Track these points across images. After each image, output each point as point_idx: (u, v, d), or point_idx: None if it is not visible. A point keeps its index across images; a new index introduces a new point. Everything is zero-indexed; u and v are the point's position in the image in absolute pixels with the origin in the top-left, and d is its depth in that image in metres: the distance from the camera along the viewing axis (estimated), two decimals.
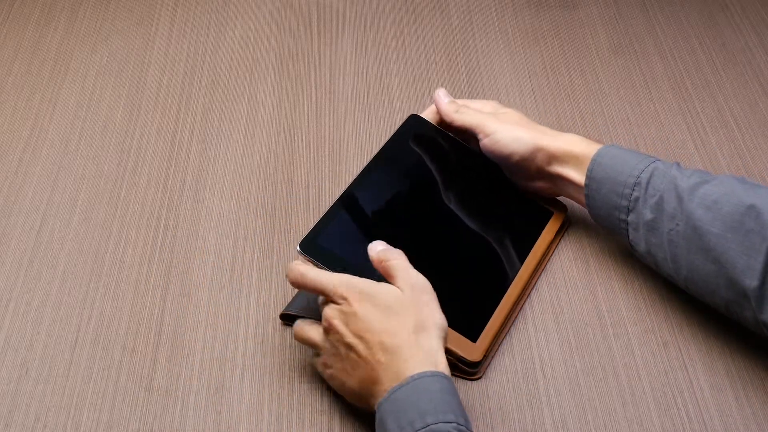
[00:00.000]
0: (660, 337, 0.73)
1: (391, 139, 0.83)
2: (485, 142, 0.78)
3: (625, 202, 0.72)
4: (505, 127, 0.78)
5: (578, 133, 0.78)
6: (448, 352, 0.69)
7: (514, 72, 0.99)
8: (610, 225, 0.75)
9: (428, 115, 0.84)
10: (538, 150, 0.76)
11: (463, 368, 0.71)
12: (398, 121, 0.93)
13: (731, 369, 0.71)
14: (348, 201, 0.76)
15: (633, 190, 0.71)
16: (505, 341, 0.74)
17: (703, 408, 0.69)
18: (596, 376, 0.71)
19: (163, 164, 0.90)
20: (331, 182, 0.88)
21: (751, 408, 0.68)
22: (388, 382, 0.61)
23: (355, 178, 0.78)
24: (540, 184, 0.79)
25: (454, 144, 0.83)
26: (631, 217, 0.72)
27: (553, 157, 0.76)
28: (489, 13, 1.07)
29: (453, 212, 0.79)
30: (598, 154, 0.74)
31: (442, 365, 0.62)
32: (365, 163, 0.89)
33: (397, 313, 0.64)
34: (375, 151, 0.90)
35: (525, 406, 0.69)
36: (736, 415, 0.68)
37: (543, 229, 0.80)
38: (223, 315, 0.77)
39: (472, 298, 0.75)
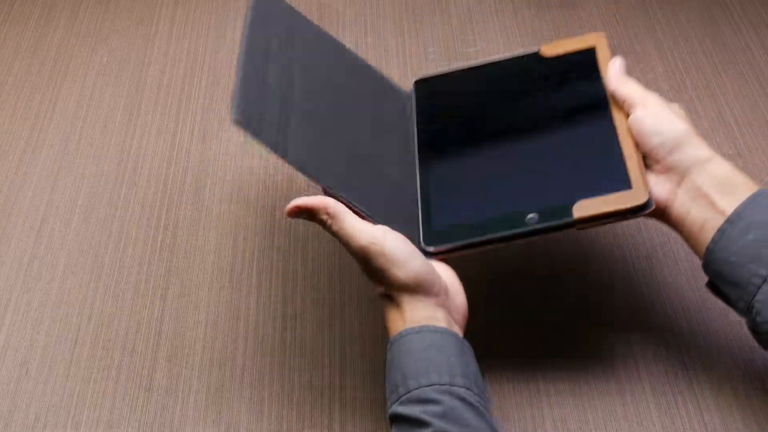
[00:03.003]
0: (660, 337, 0.73)
1: (416, 111, 0.77)
2: (638, 113, 0.66)
3: None
4: (665, 110, 0.66)
5: None
6: (613, 216, 0.62)
7: None
8: (730, 273, 0.61)
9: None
10: (687, 144, 0.63)
11: (633, 216, 0.63)
12: None
13: (731, 369, 0.71)
14: (429, 172, 0.70)
15: None
16: (504, 341, 0.74)
17: (704, 408, 0.69)
18: (596, 376, 0.71)
19: (163, 164, 0.90)
20: None
21: (752, 408, 0.68)
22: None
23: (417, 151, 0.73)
24: (657, 174, 0.65)
25: (472, 72, 0.77)
26: None
27: (700, 163, 0.63)
28: (489, 13, 1.07)
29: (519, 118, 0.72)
30: (762, 191, 0.61)
31: (438, 315, 0.61)
32: None
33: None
34: None
35: (525, 405, 0.69)
36: (736, 415, 0.68)
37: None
38: (223, 315, 0.77)
39: (593, 158, 0.67)
